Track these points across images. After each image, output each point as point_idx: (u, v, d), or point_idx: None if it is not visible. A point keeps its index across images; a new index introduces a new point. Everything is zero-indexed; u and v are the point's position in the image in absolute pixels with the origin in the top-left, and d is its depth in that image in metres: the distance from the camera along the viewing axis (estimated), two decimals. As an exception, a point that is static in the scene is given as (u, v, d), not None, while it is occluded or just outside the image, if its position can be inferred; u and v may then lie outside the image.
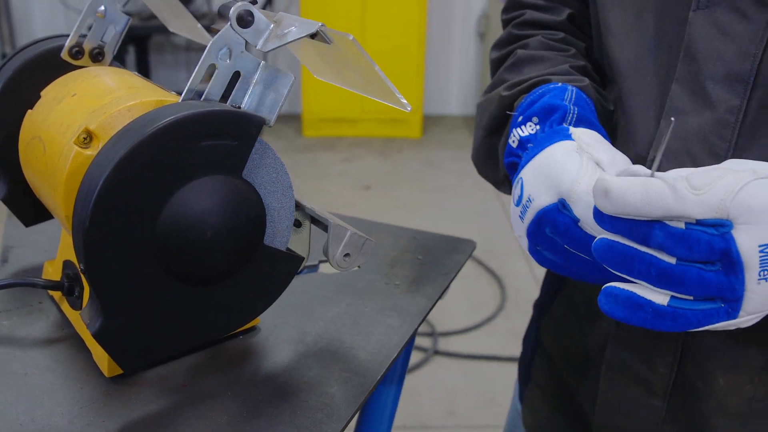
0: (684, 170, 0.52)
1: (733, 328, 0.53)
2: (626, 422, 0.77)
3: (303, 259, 0.65)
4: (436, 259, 0.89)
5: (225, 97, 0.60)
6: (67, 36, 0.78)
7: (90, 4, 0.76)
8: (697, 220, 0.49)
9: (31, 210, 0.81)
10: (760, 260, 0.49)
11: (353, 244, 0.64)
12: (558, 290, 0.89)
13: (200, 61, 0.57)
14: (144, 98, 0.62)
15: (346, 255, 0.64)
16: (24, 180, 0.74)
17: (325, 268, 0.85)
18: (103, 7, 0.77)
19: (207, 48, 0.57)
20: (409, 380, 2.26)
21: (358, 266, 0.67)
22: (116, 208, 0.52)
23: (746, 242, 0.49)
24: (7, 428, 0.60)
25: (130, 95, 0.63)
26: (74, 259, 0.67)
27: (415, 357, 2.36)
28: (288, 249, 0.65)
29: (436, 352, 2.42)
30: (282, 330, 0.74)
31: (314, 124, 4.56)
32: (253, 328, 0.73)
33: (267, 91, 0.59)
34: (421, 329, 2.50)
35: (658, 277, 0.51)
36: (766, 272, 0.49)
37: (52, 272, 0.76)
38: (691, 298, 0.51)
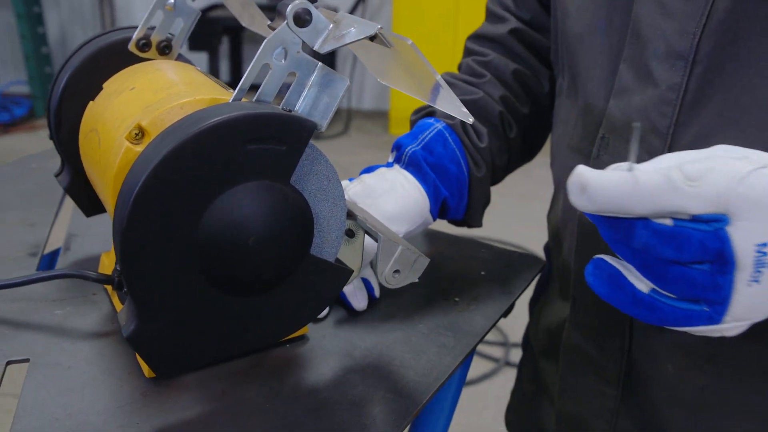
0: (668, 158, 0.48)
1: (716, 335, 0.49)
2: (584, 410, 0.78)
3: (351, 272, 0.62)
4: (501, 276, 0.85)
5: (280, 98, 0.57)
6: (137, 27, 0.77)
7: (160, -4, 0.76)
8: (692, 216, 0.45)
9: (91, 200, 0.81)
10: (755, 260, 0.44)
11: (404, 260, 0.60)
12: (545, 285, 0.93)
13: (253, 61, 0.54)
14: (199, 95, 0.61)
15: (396, 271, 0.61)
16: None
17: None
18: (172, 0, 0.76)
19: (261, 47, 0.54)
20: (477, 390, 2.21)
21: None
22: (156, 209, 0.51)
23: (742, 240, 0.44)
24: (42, 421, 0.59)
25: (186, 91, 0.62)
26: (124, 255, 0.66)
27: (485, 367, 2.30)
28: (337, 260, 0.62)
29: (507, 363, 2.35)
30: (331, 341, 0.71)
31: (401, 122, 4.54)
32: (302, 337, 0.70)
33: (321, 95, 0.56)
34: (493, 339, 2.45)
35: (641, 267, 0.48)
36: (759, 274, 0.45)
37: (108, 264, 0.75)
38: (674, 295, 0.48)
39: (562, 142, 0.80)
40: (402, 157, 0.80)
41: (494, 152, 0.84)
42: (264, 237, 0.54)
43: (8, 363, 0.67)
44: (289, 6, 0.54)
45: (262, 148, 0.53)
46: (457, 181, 0.81)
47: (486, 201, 0.86)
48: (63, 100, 0.75)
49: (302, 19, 0.55)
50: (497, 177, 0.89)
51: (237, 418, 0.60)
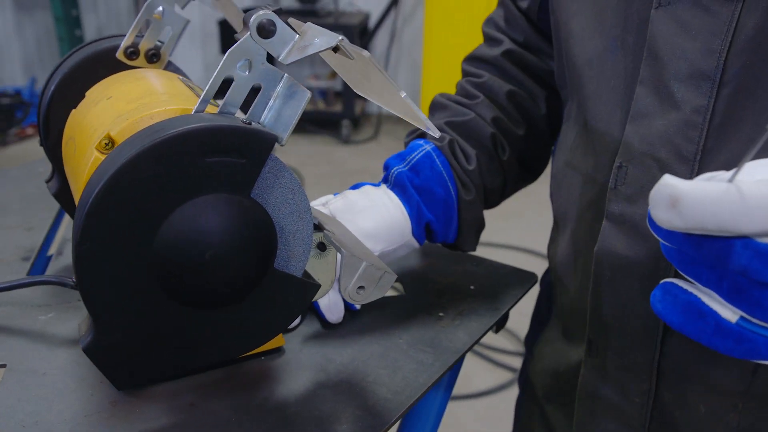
0: (763, 166, 0.42)
1: None
2: None
3: (319, 286, 0.61)
4: (490, 291, 0.83)
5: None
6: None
7: (147, 4, 0.76)
8: None
9: (79, 207, 0.81)
10: None
11: (368, 277, 0.59)
12: (544, 322, 0.89)
13: (215, 73, 0.54)
14: (169, 106, 0.60)
15: (360, 287, 0.60)
16: (70, 177, 0.75)
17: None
18: (161, 8, 0.76)
19: (223, 59, 0.54)
20: (490, 401, 2.19)
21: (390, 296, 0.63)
22: (109, 222, 0.50)
23: None
24: (9, 428, 0.59)
25: (158, 102, 0.62)
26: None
27: (502, 377, 2.28)
28: (306, 274, 0.61)
29: (527, 374, 2.32)
30: (307, 354, 0.70)
31: (432, 128, 4.51)
32: (278, 350, 0.70)
33: (285, 107, 0.55)
34: (512, 348, 2.41)
35: (730, 292, 0.41)
36: None
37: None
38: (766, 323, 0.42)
39: (570, 171, 0.75)
40: (389, 177, 0.78)
41: (484, 175, 0.81)
42: (222, 251, 0.53)
43: (-15, 368, 0.67)
44: (253, 17, 0.53)
45: (221, 160, 0.52)
46: (444, 204, 0.78)
47: (479, 225, 0.83)
48: (51, 107, 0.76)
49: (267, 30, 0.54)
50: (491, 200, 0.85)
51: (201, 430, 0.60)
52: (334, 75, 4.47)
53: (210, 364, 0.62)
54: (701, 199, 0.39)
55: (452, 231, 0.80)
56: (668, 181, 0.40)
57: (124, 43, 0.76)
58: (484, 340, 2.57)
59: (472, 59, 0.89)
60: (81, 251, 0.50)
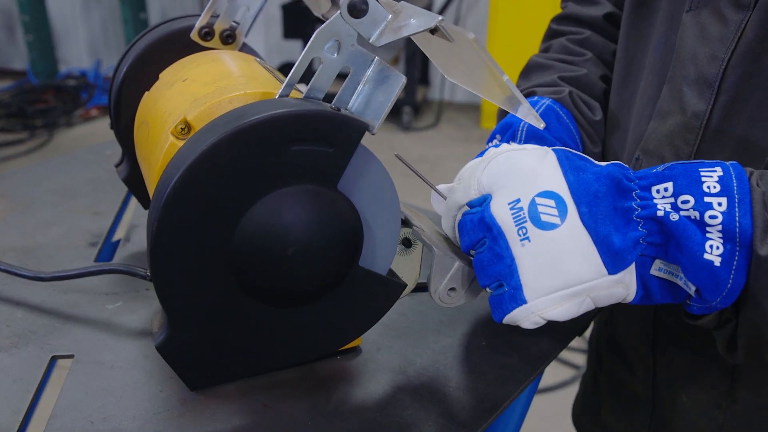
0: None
1: (539, 318, 0.52)
2: None
3: (404, 286, 0.57)
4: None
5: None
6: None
7: (223, -18, 0.72)
8: (466, 204, 0.54)
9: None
10: (514, 218, 0.51)
11: (461, 278, 0.55)
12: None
13: (302, 54, 0.50)
14: (250, 89, 0.57)
15: (452, 289, 0.55)
16: (142, 162, 0.72)
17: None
18: (237, -13, 0.72)
19: (311, 39, 0.50)
20: (553, 398, 2.12)
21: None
22: (187, 213, 0.47)
23: (498, 205, 0.51)
24: (77, 423, 0.57)
25: (237, 85, 0.58)
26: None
27: (564, 374, 2.21)
28: (391, 272, 0.57)
29: (590, 372, 2.25)
30: (385, 355, 0.66)
31: (493, 116, 4.43)
32: (354, 349, 0.66)
33: (376, 92, 0.51)
34: (576, 345, 2.34)
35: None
36: (524, 231, 0.50)
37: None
38: (488, 290, 0.54)
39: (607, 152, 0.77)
40: (517, 133, 0.71)
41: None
42: (305, 247, 0.49)
43: (53, 358, 0.65)
44: (344, -6, 0.49)
45: (306, 149, 0.48)
46: None
47: None
48: (122, 90, 0.73)
49: (358, 9, 0.49)
50: None
51: (275, 435, 0.56)
52: (395, 61, 4.41)
53: (289, 364, 0.59)
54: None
55: None
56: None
57: (199, 23, 0.73)
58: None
59: (564, 18, 0.84)
60: (157, 243, 0.47)
